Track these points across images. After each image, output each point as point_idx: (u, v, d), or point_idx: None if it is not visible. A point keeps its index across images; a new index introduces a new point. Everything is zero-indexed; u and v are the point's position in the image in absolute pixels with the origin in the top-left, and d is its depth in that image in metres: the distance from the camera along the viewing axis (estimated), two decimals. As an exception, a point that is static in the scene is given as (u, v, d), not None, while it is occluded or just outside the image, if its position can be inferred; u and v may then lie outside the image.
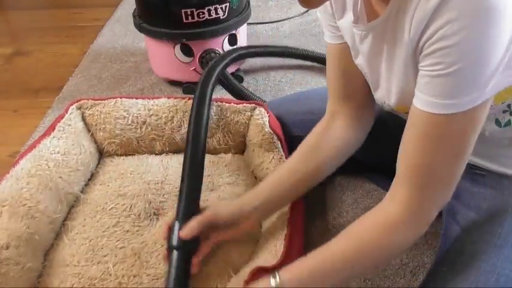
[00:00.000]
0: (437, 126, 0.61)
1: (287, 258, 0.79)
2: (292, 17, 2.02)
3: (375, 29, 0.69)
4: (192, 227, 0.80)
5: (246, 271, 0.79)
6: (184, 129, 1.14)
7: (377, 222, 0.69)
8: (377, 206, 0.70)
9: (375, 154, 1.07)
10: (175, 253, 0.80)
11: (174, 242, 0.80)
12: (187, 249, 0.81)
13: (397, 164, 0.68)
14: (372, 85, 0.81)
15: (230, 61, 1.32)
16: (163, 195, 1.04)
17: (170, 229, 0.82)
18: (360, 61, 0.79)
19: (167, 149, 1.17)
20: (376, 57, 0.72)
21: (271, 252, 0.84)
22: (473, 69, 0.56)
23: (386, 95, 0.76)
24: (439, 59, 0.57)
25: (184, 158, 0.92)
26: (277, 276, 0.68)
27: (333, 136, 0.89)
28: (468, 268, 0.72)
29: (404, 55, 0.64)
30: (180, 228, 0.80)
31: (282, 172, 0.88)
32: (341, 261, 0.69)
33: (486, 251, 0.73)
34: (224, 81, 1.38)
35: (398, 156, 0.68)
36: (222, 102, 1.15)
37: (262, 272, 0.74)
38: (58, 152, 1.04)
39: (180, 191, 0.87)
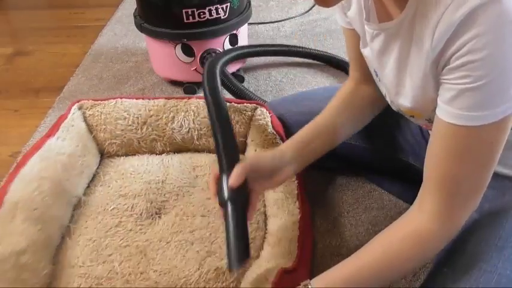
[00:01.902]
0: (466, 137, 0.61)
1: (301, 259, 0.82)
2: (293, 17, 2.02)
3: (387, 30, 0.69)
4: (237, 174, 0.77)
5: (261, 271, 0.80)
6: (185, 129, 1.14)
7: (407, 233, 0.69)
8: (406, 216, 0.71)
9: (376, 154, 1.07)
10: (229, 205, 0.77)
11: (225, 194, 0.77)
12: (239, 199, 0.78)
13: (424, 173, 0.69)
14: (377, 79, 0.81)
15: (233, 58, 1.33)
16: (164, 195, 1.04)
17: (218, 185, 0.80)
18: (368, 54, 0.79)
19: (168, 149, 1.17)
20: (387, 57, 0.72)
21: (284, 252, 0.85)
22: (502, 82, 0.56)
23: (394, 95, 0.76)
24: (467, 72, 0.56)
25: (210, 115, 0.91)
26: (309, 286, 0.69)
27: (361, 95, 0.91)
28: (469, 269, 0.72)
29: (423, 64, 0.63)
30: (226, 180, 0.78)
31: (316, 125, 0.91)
32: (374, 273, 0.70)
33: (487, 252, 0.73)
34: (225, 81, 1.38)
35: (425, 165, 0.68)
36: None
37: (284, 274, 0.76)
38: (64, 153, 1.04)
39: (216, 146, 0.86)
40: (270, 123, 1.09)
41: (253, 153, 0.87)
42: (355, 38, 0.83)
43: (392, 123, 1.03)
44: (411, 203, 1.09)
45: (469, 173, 0.64)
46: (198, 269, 0.88)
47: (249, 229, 0.94)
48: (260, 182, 0.81)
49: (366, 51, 0.79)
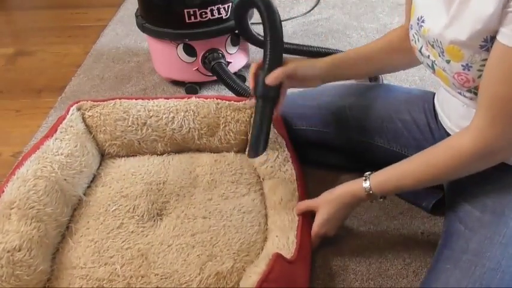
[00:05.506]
0: None
1: (300, 253, 0.84)
2: (295, 17, 2.02)
3: None
4: (277, 76, 0.91)
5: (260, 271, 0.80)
6: (185, 129, 1.13)
7: (447, 146, 0.78)
8: (455, 134, 0.79)
9: (379, 150, 1.07)
10: (260, 101, 0.93)
11: (260, 90, 0.92)
12: (271, 97, 0.94)
13: (478, 100, 0.74)
14: (417, 27, 0.82)
15: None
16: (165, 196, 1.04)
17: (255, 78, 0.94)
18: None
19: (169, 149, 1.16)
20: None
21: (284, 245, 0.86)
22: None
23: (445, 27, 0.75)
24: None
25: (263, 22, 0.94)
26: (368, 179, 0.85)
27: (406, 44, 0.94)
28: (473, 266, 0.72)
29: None
30: (264, 78, 0.92)
31: (355, 54, 1.02)
32: (418, 176, 0.81)
33: (491, 250, 0.73)
34: (227, 80, 1.38)
35: (479, 92, 0.73)
36: (222, 100, 1.14)
37: (280, 259, 0.79)
38: (61, 154, 1.04)
39: (265, 45, 0.94)
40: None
41: (293, 62, 0.97)
42: None
43: (398, 119, 1.03)
44: (412, 203, 1.09)
45: None
46: (199, 274, 0.87)
47: (252, 230, 0.95)
48: (291, 82, 0.96)
49: None
